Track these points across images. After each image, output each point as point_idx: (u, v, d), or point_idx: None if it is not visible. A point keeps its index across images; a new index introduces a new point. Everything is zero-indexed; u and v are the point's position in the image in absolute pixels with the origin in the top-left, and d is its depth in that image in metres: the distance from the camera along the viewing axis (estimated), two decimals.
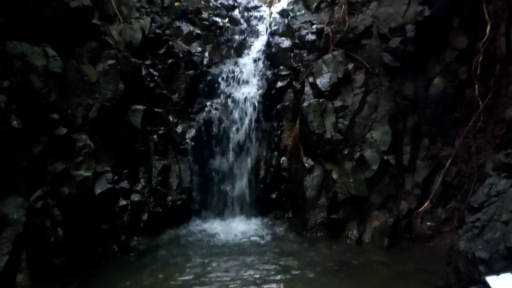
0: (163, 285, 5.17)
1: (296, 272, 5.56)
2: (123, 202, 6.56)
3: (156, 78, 7.56)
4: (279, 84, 7.97)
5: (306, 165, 7.29)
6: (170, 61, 7.87)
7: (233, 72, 8.24)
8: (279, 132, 7.91)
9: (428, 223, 6.54)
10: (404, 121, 7.14)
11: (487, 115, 6.31)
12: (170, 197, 7.06)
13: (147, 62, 7.52)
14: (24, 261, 5.02)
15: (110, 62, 6.59)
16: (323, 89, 7.31)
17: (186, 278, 5.34)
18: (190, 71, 8.00)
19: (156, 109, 7.42)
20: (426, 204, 6.35)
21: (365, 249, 6.50)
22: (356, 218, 6.86)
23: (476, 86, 6.38)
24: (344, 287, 5.20)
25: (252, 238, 6.82)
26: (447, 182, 6.68)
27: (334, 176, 7.02)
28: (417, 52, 6.93)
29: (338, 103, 7.27)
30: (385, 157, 6.91)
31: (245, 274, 5.47)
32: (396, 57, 7.03)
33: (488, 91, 6.27)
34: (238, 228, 7.20)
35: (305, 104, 7.31)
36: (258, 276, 5.39)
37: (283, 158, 7.80)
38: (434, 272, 5.47)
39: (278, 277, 5.41)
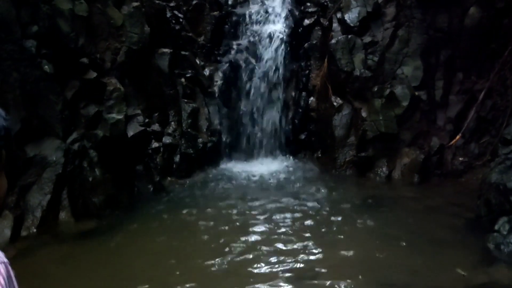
0: (200, 217, 5.39)
1: (327, 208, 5.65)
2: (155, 144, 6.74)
3: (181, 20, 7.49)
4: (306, 21, 7.75)
5: (335, 104, 7.21)
6: (194, 2, 7.74)
7: (259, 11, 8.04)
8: (307, 71, 7.80)
9: (460, 159, 6.45)
10: (437, 55, 6.88)
11: None
12: (200, 139, 7.19)
13: (172, 4, 7.43)
14: (65, 199, 5.32)
15: (135, 4, 6.54)
16: (352, 25, 7.08)
17: (221, 211, 5.55)
18: (215, 12, 7.87)
19: (183, 52, 7.40)
20: (458, 137, 6.24)
21: (395, 185, 6.53)
22: (385, 156, 6.83)
23: None
24: (374, 220, 5.27)
25: (281, 177, 6.92)
26: (481, 117, 6.51)
27: (363, 114, 6.94)
28: None
29: (367, 39, 7.05)
30: (416, 93, 6.74)
31: (277, 208, 5.63)
32: None
33: None
34: (268, 168, 7.31)
35: (333, 41, 7.13)
36: (291, 212, 5.52)
37: (312, 98, 7.73)
38: (464, 205, 5.46)
39: (310, 211, 5.52)
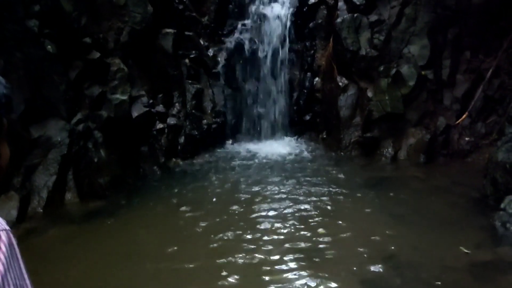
0: (206, 198, 5.41)
1: (332, 187, 5.64)
2: (160, 126, 6.72)
3: (184, 0, 7.40)
4: (312, 0, 7.64)
5: (340, 84, 7.15)
6: None
7: None
8: (312, 52, 7.72)
9: (467, 138, 6.40)
10: (444, 34, 6.77)
11: None
12: (205, 121, 7.16)
13: None
14: (71, 180, 5.34)
15: None
16: (358, 3, 6.97)
17: (227, 191, 5.56)
18: None
19: (187, 33, 7.33)
20: (464, 116, 6.18)
21: (401, 165, 6.50)
22: (391, 136, 6.79)
23: None
24: (380, 199, 5.28)
25: (287, 158, 6.90)
26: (488, 96, 6.43)
27: (369, 94, 6.87)
28: None
29: (373, 18, 6.94)
30: (423, 72, 6.66)
31: (284, 187, 5.63)
32: None
33: None
34: (273, 149, 7.28)
35: (339, 20, 7.02)
36: (298, 191, 5.52)
37: (317, 78, 7.67)
38: (470, 185, 5.43)
39: (315, 191, 5.52)
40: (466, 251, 3.81)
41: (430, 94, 6.70)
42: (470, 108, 6.23)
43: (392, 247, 4.05)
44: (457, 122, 6.29)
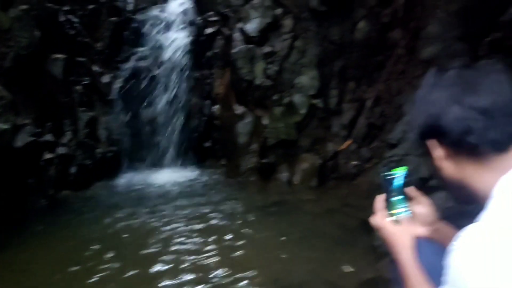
0: (96, 229, 5.14)
1: (230, 214, 5.70)
2: (48, 156, 6.32)
3: (76, 25, 7.14)
4: (208, 30, 7.82)
5: (238, 112, 7.35)
6: (90, 7, 7.45)
7: (160, 18, 7.95)
8: (210, 80, 7.86)
9: (353, 162, 6.88)
10: (331, 66, 7.31)
11: (407, 57, 6.60)
12: (99, 149, 6.90)
13: (65, 8, 7.06)
14: None
15: (24, 7, 6.12)
16: (252, 35, 7.28)
17: (119, 223, 5.35)
18: (114, 18, 7.63)
19: (79, 59, 7.07)
20: (348, 142, 6.68)
21: (295, 189, 6.79)
22: (286, 161, 7.08)
23: (397, 29, 6.62)
24: (275, 223, 5.44)
25: (185, 186, 6.87)
26: (371, 123, 7.01)
27: (265, 121, 7.15)
28: None
29: (267, 49, 7.29)
30: (313, 101, 7.10)
31: (180, 215, 5.57)
32: (322, 1, 7.08)
33: (409, 34, 6.52)
34: (172, 177, 7.22)
35: (235, 50, 7.27)
36: (195, 219, 5.49)
37: (216, 106, 7.80)
38: (357, 206, 5.82)
39: (213, 218, 5.54)
40: (351, 269, 4.07)
41: (320, 121, 7.14)
42: (354, 135, 6.74)
43: (285, 269, 4.19)
44: (341, 148, 6.77)
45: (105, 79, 7.37)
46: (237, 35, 7.49)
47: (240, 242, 4.84)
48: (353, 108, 7.18)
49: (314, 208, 6.02)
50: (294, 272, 4.14)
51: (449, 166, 1.45)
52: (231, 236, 5.00)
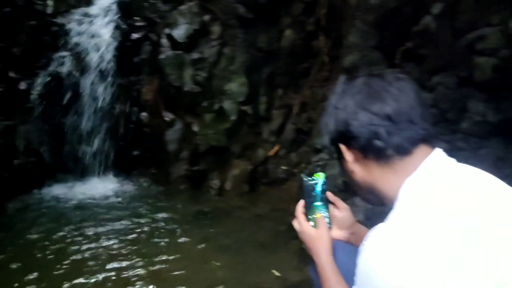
0: (14, 239, 4.80)
1: (159, 225, 5.59)
2: None
3: None
4: (135, 35, 7.62)
5: (167, 119, 7.22)
6: (7, 9, 6.97)
7: (83, 22, 7.62)
8: (138, 86, 7.64)
9: (283, 167, 7.00)
10: (259, 72, 7.41)
11: (330, 64, 6.84)
12: (17, 161, 6.46)
13: None
14: None
15: None
16: (180, 41, 7.20)
17: (37, 239, 5.04)
18: (33, 22, 7.20)
19: None
20: (276, 148, 6.80)
21: (227, 196, 6.78)
22: (217, 168, 7.06)
23: (321, 38, 6.85)
24: (205, 233, 5.39)
25: (113, 197, 6.62)
26: (299, 129, 7.18)
27: (195, 128, 7.09)
28: (269, 4, 7.15)
29: (195, 55, 7.24)
30: (243, 108, 7.14)
31: (108, 227, 5.37)
32: (249, 9, 7.18)
33: (331, 42, 6.77)
34: (98, 188, 6.92)
35: (162, 56, 7.15)
36: (124, 229, 5.33)
37: (144, 113, 7.60)
38: (286, 210, 5.91)
39: (141, 230, 5.39)
40: (277, 274, 4.14)
41: (250, 127, 7.20)
42: (282, 141, 6.87)
43: (215, 279, 4.18)
44: (270, 154, 6.88)
45: (23, 85, 6.92)
46: (164, 41, 7.38)
47: (168, 254, 4.74)
48: (282, 114, 7.31)
49: (245, 215, 6.05)
50: (223, 281, 4.13)
51: (359, 170, 1.53)
52: (158, 249, 4.89)
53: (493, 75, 3.84)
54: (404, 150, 1.41)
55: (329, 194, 2.02)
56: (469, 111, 4.09)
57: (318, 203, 1.98)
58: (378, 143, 1.41)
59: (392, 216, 1.32)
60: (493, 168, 3.81)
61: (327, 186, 1.99)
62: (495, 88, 3.90)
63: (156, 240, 5.09)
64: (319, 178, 1.99)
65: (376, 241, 1.24)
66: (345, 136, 1.51)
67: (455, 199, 1.27)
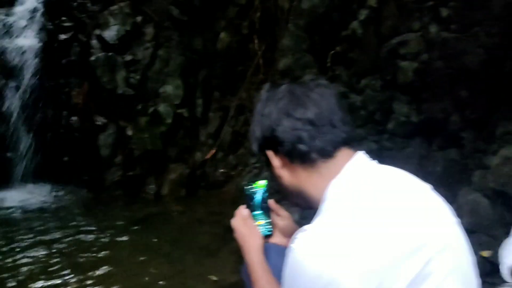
0: None
1: (92, 233, 5.36)
2: None
3: None
4: (62, 36, 7.27)
5: (99, 123, 6.97)
6: None
7: (5, 23, 7.17)
8: (67, 89, 7.31)
9: (221, 170, 6.99)
10: (195, 75, 7.35)
11: (266, 67, 6.94)
12: None
13: None
14: None
15: None
16: (111, 43, 6.98)
17: None
18: None
19: None
20: (212, 151, 6.79)
21: (164, 201, 6.66)
22: (154, 173, 6.91)
23: (256, 41, 6.93)
24: (141, 240, 5.26)
25: (39, 207, 6.29)
26: (236, 131, 7.21)
27: (129, 132, 6.90)
28: (203, 6, 7.12)
29: (128, 57, 7.04)
30: (179, 111, 7.05)
31: (39, 238, 5.07)
32: (183, 11, 7.10)
33: (266, 46, 6.87)
34: (25, 197, 6.56)
35: (93, 58, 6.89)
36: (58, 241, 5.08)
37: (74, 117, 7.28)
38: (224, 213, 5.90)
39: (72, 239, 5.15)
40: (215, 278, 4.13)
41: (187, 131, 7.12)
42: (219, 143, 6.86)
43: (149, 282, 4.09)
44: (206, 157, 6.86)
45: None
46: (94, 42, 7.11)
47: (102, 265, 4.55)
48: (218, 117, 7.30)
49: (183, 219, 5.97)
50: (155, 284, 4.06)
51: (286, 174, 1.57)
52: (92, 259, 4.68)
53: (414, 78, 4.08)
54: (327, 153, 1.46)
55: (271, 202, 2.03)
56: (394, 112, 4.31)
57: (257, 212, 1.99)
58: (302, 147, 1.45)
59: (317, 218, 1.37)
60: (418, 166, 4.06)
61: (268, 194, 2.00)
62: (417, 90, 4.15)
63: (87, 251, 4.87)
64: (259, 187, 1.99)
65: (303, 241, 1.28)
66: (271, 142, 1.54)
67: (375, 198, 1.34)
